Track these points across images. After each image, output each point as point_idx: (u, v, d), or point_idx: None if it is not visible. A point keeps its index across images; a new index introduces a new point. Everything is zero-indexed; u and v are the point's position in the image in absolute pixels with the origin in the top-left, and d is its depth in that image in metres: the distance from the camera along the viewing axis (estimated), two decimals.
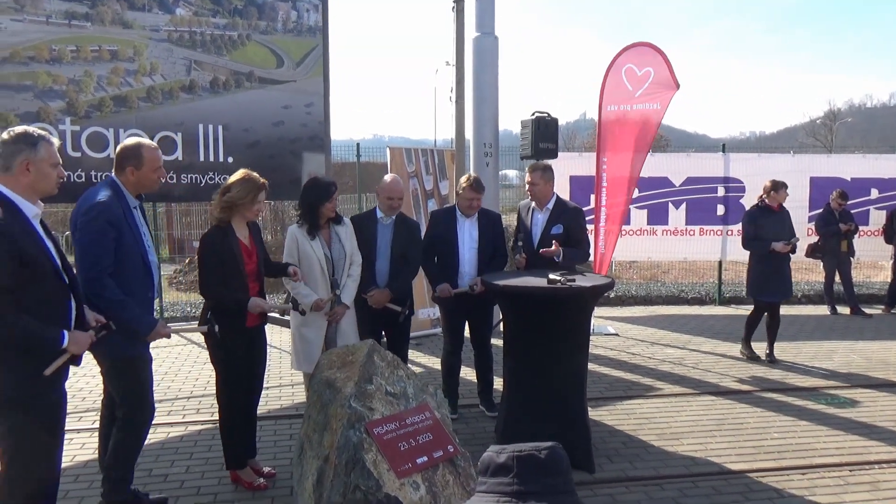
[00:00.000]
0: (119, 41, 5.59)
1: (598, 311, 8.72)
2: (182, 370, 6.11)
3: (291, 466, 3.59)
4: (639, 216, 9.12)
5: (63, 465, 3.89)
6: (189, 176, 5.82)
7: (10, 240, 2.41)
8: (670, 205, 9.14)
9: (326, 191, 3.92)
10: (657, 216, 9.14)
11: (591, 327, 7.00)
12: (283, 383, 5.47)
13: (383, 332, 4.47)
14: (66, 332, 2.61)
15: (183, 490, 3.75)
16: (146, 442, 4.28)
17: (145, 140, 3.22)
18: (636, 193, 8.79)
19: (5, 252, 2.39)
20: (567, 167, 8.62)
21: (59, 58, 5.38)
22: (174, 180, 5.83)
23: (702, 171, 9.10)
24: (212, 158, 5.88)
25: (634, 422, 4.85)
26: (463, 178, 4.74)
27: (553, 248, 4.73)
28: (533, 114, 6.72)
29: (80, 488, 3.68)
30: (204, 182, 5.88)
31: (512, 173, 19.80)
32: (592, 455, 4.05)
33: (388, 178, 4.43)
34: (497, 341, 7.15)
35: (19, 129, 2.59)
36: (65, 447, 4.13)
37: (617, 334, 7.61)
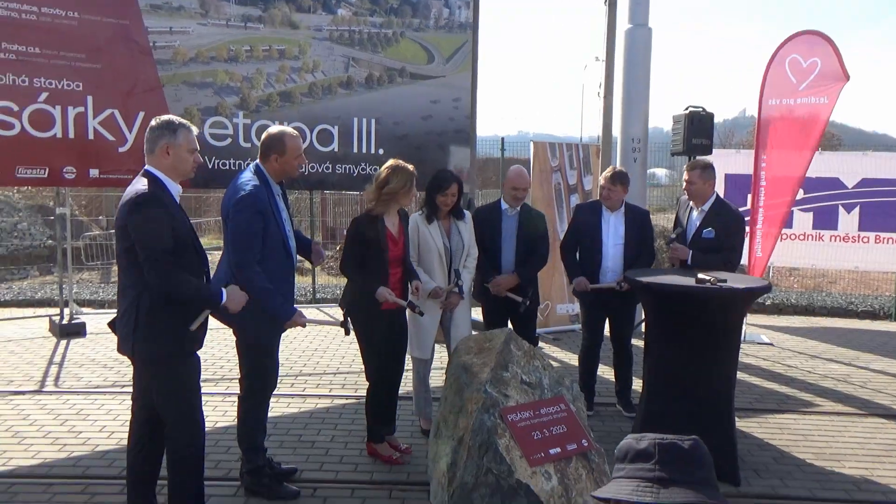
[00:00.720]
0: (287, 41, 6.06)
1: (752, 319, 8.17)
2: (330, 348, 6.50)
3: (430, 445, 3.70)
4: (803, 219, 8.42)
5: (218, 426, 4.35)
6: (343, 166, 6.20)
7: (167, 209, 2.66)
8: (841, 208, 8.35)
9: (440, 184, 3.98)
10: (825, 220, 8.38)
11: (743, 334, 6.58)
12: None
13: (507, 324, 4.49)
14: (223, 289, 2.83)
15: (328, 457, 4.00)
16: (297, 411, 4.74)
17: (287, 128, 3.35)
18: (801, 195, 8.12)
19: (164, 218, 2.64)
20: (723, 164, 8.14)
21: (235, 57, 5.94)
22: (330, 170, 6.23)
23: (881, 172, 8.22)
24: (364, 150, 6.22)
25: (788, 437, 4.52)
26: (606, 170, 4.66)
27: (678, 249, 4.53)
28: (686, 108, 6.43)
29: (219, 453, 3.99)
30: (357, 172, 6.24)
31: (661, 172, 18.97)
32: (738, 467, 3.85)
33: (513, 168, 4.44)
34: (638, 341, 6.94)
35: (165, 117, 2.80)
36: (206, 412, 4.60)
37: (772, 344, 7.09)
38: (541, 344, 6.74)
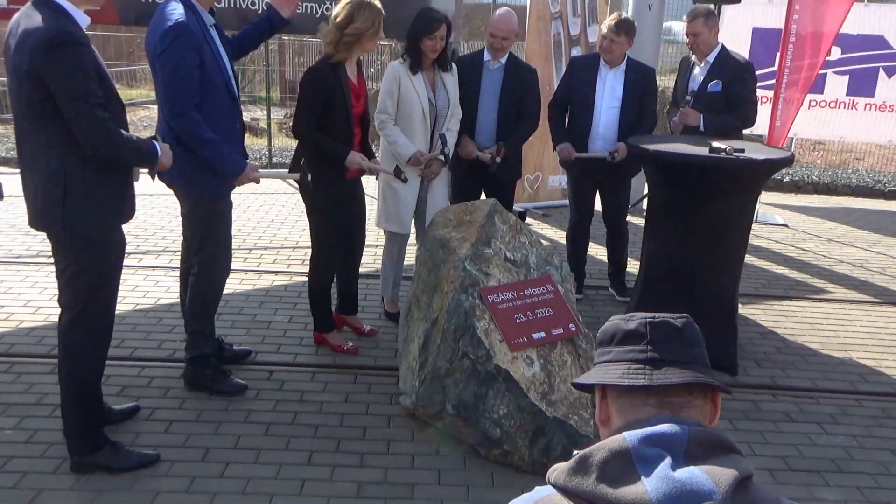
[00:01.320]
0: None
1: (767, 197, 8.23)
2: (289, 219, 6.48)
3: (397, 328, 3.75)
4: (836, 84, 8.25)
5: (145, 307, 4.37)
6: (305, 3, 5.80)
7: (88, 48, 2.45)
8: (881, 72, 8.16)
9: (427, 24, 3.77)
10: (861, 85, 8.21)
11: (756, 214, 6.61)
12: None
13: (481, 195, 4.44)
14: (156, 142, 2.70)
15: (286, 339, 4.07)
16: (251, 288, 4.77)
17: None
18: (836, 54, 7.91)
19: (88, 60, 2.43)
20: (750, 16, 7.83)
21: None
22: None
23: None
24: None
25: (794, 326, 4.67)
26: (610, 17, 4.45)
27: (689, 114, 4.43)
28: None
29: (162, 332, 4.05)
30: (321, 12, 5.86)
31: (677, 27, 18.45)
32: (737, 355, 3.98)
33: (498, 11, 4.17)
34: (639, 219, 6.97)
35: None
36: (148, 287, 4.68)
37: (786, 225, 7.19)
38: (529, 220, 6.76)
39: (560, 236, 6.21)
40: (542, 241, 5.81)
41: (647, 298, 4.08)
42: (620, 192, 4.67)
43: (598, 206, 4.81)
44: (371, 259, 5.24)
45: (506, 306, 3.09)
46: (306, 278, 4.50)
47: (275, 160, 8.81)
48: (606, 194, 4.67)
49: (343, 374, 3.72)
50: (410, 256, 4.96)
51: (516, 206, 6.71)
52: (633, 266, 5.35)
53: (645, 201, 5.01)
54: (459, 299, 3.05)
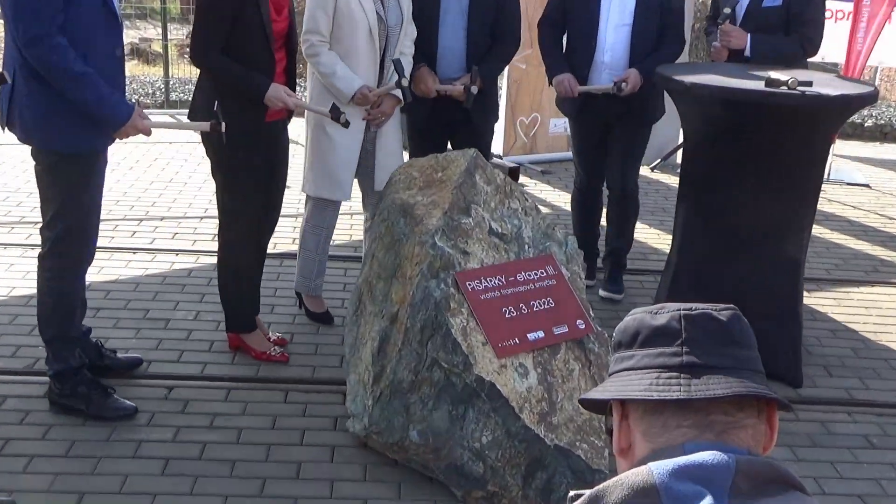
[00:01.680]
0: None
1: (842, 147, 8.32)
2: (194, 178, 6.44)
3: (343, 327, 3.77)
4: None
5: (17, 293, 4.34)
6: None
7: None
8: None
9: None
10: None
11: (827, 172, 6.68)
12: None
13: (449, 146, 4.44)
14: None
15: (190, 343, 4.07)
16: (141, 273, 4.75)
17: None
18: None
19: None
20: None
21: None
22: None
23: None
24: None
25: (877, 321, 4.75)
26: None
27: (731, 33, 4.45)
28: None
29: (20, 334, 3.95)
30: None
31: None
32: (800, 360, 4.05)
33: None
34: (672, 178, 7.01)
35: None
36: (2, 271, 4.66)
37: (868, 185, 7.29)
38: (523, 179, 6.77)
39: (565, 201, 6.22)
40: (541, 207, 5.84)
41: (680, 284, 4.12)
42: (633, 143, 4.68)
43: None
44: (283, 236, 5.22)
45: (491, 296, 3.10)
46: (216, 258, 4.49)
47: (174, 96, 8.72)
48: (615, 142, 4.69)
49: (269, 390, 3.72)
50: (347, 232, 4.94)
51: (505, 160, 6.73)
52: (646, 247, 5.38)
53: (679, 154, 5.04)
54: (427, 287, 3.05)
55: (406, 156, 4.24)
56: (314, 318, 4.37)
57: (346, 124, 3.79)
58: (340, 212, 4.31)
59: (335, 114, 3.73)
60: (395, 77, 3.95)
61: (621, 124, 4.58)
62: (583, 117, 4.62)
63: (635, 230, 4.97)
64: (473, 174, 3.34)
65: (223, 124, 3.40)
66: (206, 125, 3.43)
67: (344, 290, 4.69)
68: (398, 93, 3.97)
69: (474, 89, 4.10)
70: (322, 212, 4.21)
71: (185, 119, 3.99)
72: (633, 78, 4.33)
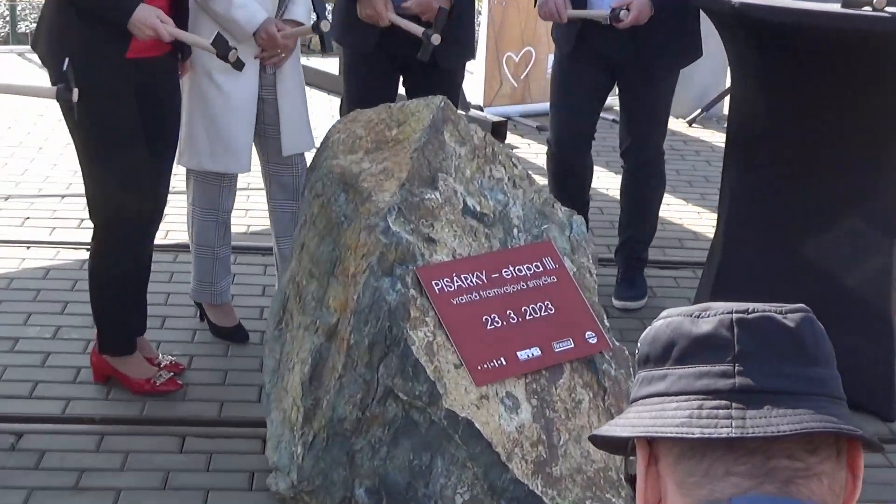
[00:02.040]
0: None
1: None
2: (52, 141, 6.43)
3: (263, 345, 3.78)
4: None
5: None
6: None
7: None
8: None
9: None
10: None
11: None
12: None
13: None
14: None
15: (46, 371, 4.04)
16: None
17: None
18: None
19: None
20: None
21: None
22: None
23: None
24: None
25: None
26: None
27: None
28: None
29: None
30: None
31: None
32: (894, 388, 4.07)
33: None
34: (716, 134, 7.05)
35: None
36: None
37: None
38: (512, 138, 6.77)
39: None
40: (536, 177, 5.84)
41: (728, 280, 4.15)
42: (648, 96, 4.74)
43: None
44: (177, 221, 5.24)
45: (466, 300, 3.10)
46: (78, 251, 4.45)
47: (23, 27, 8.67)
48: (624, 97, 4.76)
49: (159, 435, 3.71)
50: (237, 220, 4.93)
51: (487, 112, 6.72)
52: (682, 230, 5.40)
53: (725, 103, 5.04)
54: (378, 289, 3.04)
55: (332, 103, 4.27)
56: (221, 335, 4.40)
57: (239, 65, 3.80)
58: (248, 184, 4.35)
59: (221, 49, 3.72)
60: (297, 8, 4.04)
61: (631, 71, 4.64)
62: (578, 55, 4.66)
63: (667, 208, 4.98)
64: (441, 131, 3.33)
65: (74, 91, 3.39)
66: (49, 90, 3.45)
67: (263, 296, 4.71)
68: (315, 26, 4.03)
69: (436, 39, 4.13)
70: (212, 191, 4.26)
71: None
72: (636, 4, 4.35)
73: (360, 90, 4.38)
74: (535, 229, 3.36)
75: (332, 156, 3.41)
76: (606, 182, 6.09)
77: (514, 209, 3.35)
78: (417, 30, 4.16)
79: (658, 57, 4.55)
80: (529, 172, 3.56)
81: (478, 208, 3.29)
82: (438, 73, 4.35)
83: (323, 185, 3.36)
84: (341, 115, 4.55)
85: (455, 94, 4.44)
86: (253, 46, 4.02)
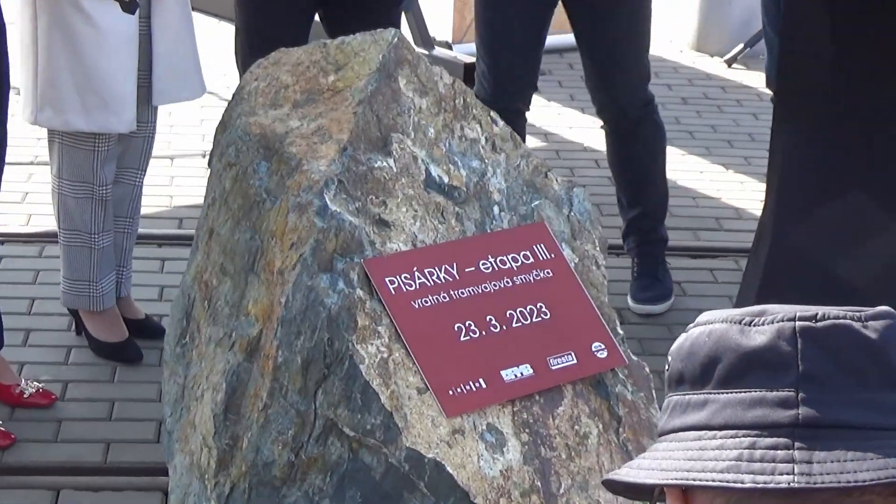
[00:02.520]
0: None
1: None
2: None
3: (161, 366, 3.77)
4: None
5: None
6: None
7: None
8: None
9: None
10: None
11: None
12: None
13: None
14: None
15: None
16: None
17: None
18: None
19: None
20: None
21: None
22: None
23: None
24: None
25: None
26: None
27: None
28: None
29: None
30: None
31: None
32: None
33: None
34: (758, 81, 7.09)
35: None
36: None
37: None
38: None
39: (571, 125, 6.27)
40: (532, 138, 5.86)
41: (781, 269, 4.19)
42: (618, 30, 4.84)
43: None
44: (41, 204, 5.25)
45: (431, 303, 3.12)
46: None
47: None
48: (583, 25, 4.89)
49: (25, 488, 3.73)
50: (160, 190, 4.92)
51: (456, 50, 6.73)
52: (719, 205, 5.44)
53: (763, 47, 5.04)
54: (314, 288, 3.05)
55: (227, 32, 4.29)
56: (105, 353, 4.41)
57: (133, 6, 3.87)
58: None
59: None
60: None
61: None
62: None
63: (699, 177, 5.00)
64: (395, 77, 3.34)
65: None
66: None
67: (161, 300, 4.73)
68: None
69: None
70: (85, 158, 4.28)
71: None
72: None
73: (263, 22, 4.48)
74: (522, 207, 3.37)
75: (249, 111, 3.40)
76: (600, 136, 6.13)
77: (494, 180, 3.36)
78: None
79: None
80: (513, 131, 3.57)
81: (445, 179, 3.30)
82: (365, 6, 4.45)
83: (236, 150, 3.35)
84: (237, 58, 4.59)
85: (394, 26, 4.48)
86: None
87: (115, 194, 4.38)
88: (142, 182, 4.40)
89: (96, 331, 4.37)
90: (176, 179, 5.60)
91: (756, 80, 7.22)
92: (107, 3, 3.89)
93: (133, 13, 3.89)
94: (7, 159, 5.55)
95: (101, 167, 4.26)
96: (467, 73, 4.28)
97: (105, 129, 4.17)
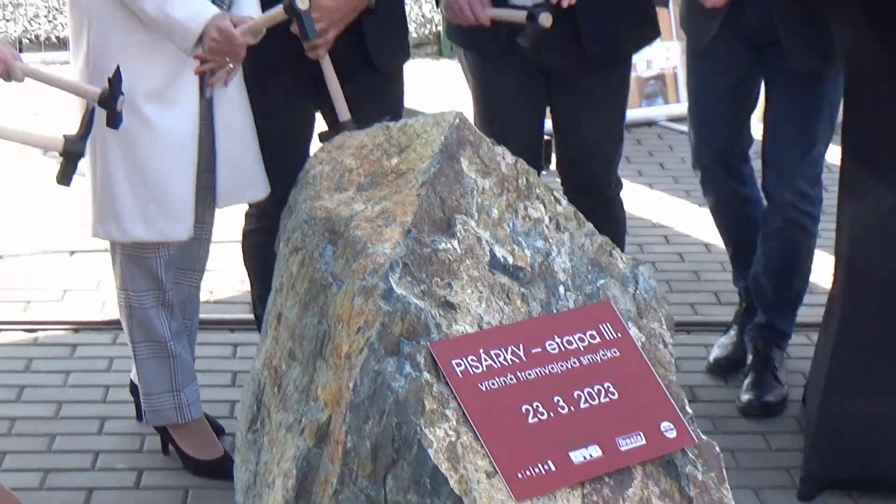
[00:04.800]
0: None
1: None
2: None
3: (234, 454, 3.78)
4: None
5: None
6: None
7: None
8: None
9: None
10: None
11: None
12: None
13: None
14: None
15: None
16: None
17: None
18: None
19: None
20: None
21: None
22: None
23: None
24: None
25: None
26: None
27: None
28: None
29: None
30: None
31: None
32: None
33: None
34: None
35: None
36: None
37: None
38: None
39: (644, 201, 6.24)
40: (636, 216, 5.85)
41: (854, 343, 4.12)
42: (607, 102, 4.96)
43: None
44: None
45: (498, 385, 3.09)
46: None
47: None
48: (564, 110, 4.99)
49: None
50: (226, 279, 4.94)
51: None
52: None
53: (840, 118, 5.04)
54: (381, 372, 3.02)
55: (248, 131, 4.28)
56: (202, 471, 4.39)
57: (117, 122, 3.80)
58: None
59: (113, 88, 3.73)
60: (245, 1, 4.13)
61: (564, 83, 4.88)
62: (510, 61, 4.79)
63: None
64: (457, 157, 3.33)
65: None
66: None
67: (234, 386, 4.76)
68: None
69: (545, 20, 4.33)
70: (148, 265, 4.26)
71: None
72: None
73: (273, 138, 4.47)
74: (587, 286, 3.35)
75: (314, 195, 3.41)
76: (681, 214, 6.09)
77: (558, 260, 3.34)
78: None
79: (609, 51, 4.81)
80: (577, 210, 3.55)
81: (510, 260, 3.28)
82: (373, 77, 4.48)
83: (302, 235, 3.35)
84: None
85: (395, 106, 4.61)
86: (186, 65, 4.02)
87: (175, 297, 4.37)
88: (199, 284, 4.40)
89: (189, 447, 4.36)
90: None
91: (831, 154, 7.18)
92: (165, 105, 3.92)
93: (116, 128, 3.83)
94: (80, 247, 5.62)
95: (164, 272, 4.26)
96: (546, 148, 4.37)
97: (165, 238, 4.16)
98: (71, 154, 3.64)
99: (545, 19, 4.41)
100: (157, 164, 4.08)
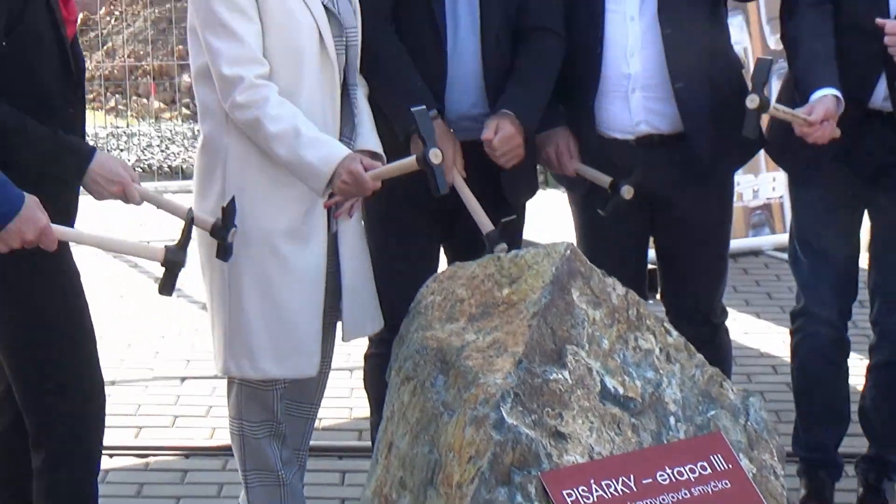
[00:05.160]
0: None
1: None
2: None
3: None
4: None
5: None
6: None
7: None
8: None
9: None
10: None
11: None
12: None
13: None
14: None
15: None
16: None
17: None
18: None
19: None
20: None
21: None
22: None
23: None
24: None
25: None
26: None
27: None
28: None
29: None
30: None
31: None
32: None
33: None
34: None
35: None
36: None
37: None
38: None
39: (751, 331, 6.21)
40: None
41: None
42: (697, 248, 4.90)
43: None
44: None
45: None
46: None
47: None
48: (664, 243, 5.02)
49: None
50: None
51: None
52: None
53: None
54: (492, 501, 3.01)
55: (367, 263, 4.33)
56: None
57: (227, 253, 3.89)
58: None
59: (226, 220, 3.82)
60: (367, 131, 4.18)
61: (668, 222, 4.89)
62: (587, 204, 4.83)
63: None
64: (568, 288, 3.34)
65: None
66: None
67: None
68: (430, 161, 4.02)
69: (627, 192, 4.42)
70: (266, 399, 4.26)
71: None
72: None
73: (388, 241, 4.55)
74: (698, 417, 3.33)
75: (426, 325, 3.42)
76: (789, 344, 6.07)
77: (669, 391, 3.33)
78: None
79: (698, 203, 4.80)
80: (686, 340, 3.54)
81: (621, 391, 3.27)
82: (502, 210, 4.41)
83: (414, 364, 3.36)
84: None
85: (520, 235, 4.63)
86: (317, 202, 4.07)
87: (288, 427, 4.35)
88: (315, 415, 4.41)
89: None
90: (355, 391, 5.60)
91: None
92: (301, 243, 3.97)
93: (226, 260, 3.93)
94: (190, 373, 5.67)
95: (278, 405, 4.26)
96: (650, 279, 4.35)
97: (297, 375, 4.17)
98: (172, 264, 3.70)
99: (627, 192, 4.45)
100: (292, 301, 4.10)
